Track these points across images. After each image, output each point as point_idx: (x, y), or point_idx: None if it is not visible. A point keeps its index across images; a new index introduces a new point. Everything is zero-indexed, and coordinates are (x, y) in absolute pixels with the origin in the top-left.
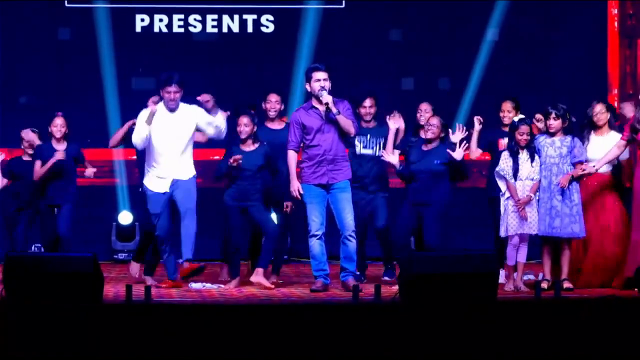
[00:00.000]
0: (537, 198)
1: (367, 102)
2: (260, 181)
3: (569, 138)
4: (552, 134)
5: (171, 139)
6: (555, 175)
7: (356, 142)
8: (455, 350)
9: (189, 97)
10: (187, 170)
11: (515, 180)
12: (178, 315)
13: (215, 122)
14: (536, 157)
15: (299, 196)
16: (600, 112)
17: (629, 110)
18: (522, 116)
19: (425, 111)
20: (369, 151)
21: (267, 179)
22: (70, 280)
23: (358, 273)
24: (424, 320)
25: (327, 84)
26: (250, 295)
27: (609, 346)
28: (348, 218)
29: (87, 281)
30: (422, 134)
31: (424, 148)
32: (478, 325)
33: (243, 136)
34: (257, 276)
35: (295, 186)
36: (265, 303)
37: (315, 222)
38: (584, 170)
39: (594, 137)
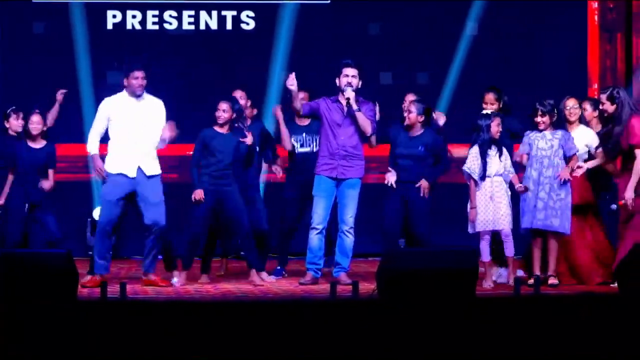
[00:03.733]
0: (509, 193)
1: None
2: (235, 168)
3: (559, 132)
4: (541, 130)
5: (136, 125)
6: (546, 168)
7: (293, 142)
8: (433, 347)
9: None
10: (154, 165)
11: (484, 178)
12: (153, 312)
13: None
14: (504, 151)
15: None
16: (573, 107)
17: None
18: (487, 111)
19: (410, 112)
20: (306, 149)
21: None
22: (44, 277)
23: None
24: (401, 317)
25: (355, 81)
26: (226, 291)
27: (589, 343)
28: (349, 214)
29: (61, 278)
30: (409, 131)
31: (410, 134)
32: (456, 322)
33: (220, 121)
34: (253, 277)
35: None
36: (240, 300)
37: (318, 214)
38: (579, 167)
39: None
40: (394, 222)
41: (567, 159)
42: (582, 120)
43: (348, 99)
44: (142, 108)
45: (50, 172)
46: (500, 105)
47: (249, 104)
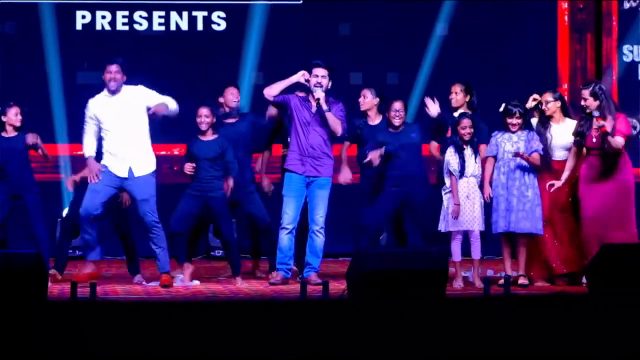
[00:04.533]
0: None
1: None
2: (220, 171)
3: (525, 132)
4: (513, 132)
5: (118, 122)
6: (512, 171)
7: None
8: (403, 347)
9: None
10: (145, 163)
11: (462, 177)
12: (123, 312)
13: (166, 101)
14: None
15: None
16: (546, 101)
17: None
18: (463, 110)
19: (365, 97)
20: None
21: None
22: (14, 277)
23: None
24: (371, 317)
25: (325, 81)
26: (197, 291)
27: (558, 343)
28: (319, 214)
29: (31, 278)
30: (369, 121)
31: (392, 130)
32: (426, 322)
33: (203, 127)
34: (238, 284)
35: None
36: (210, 300)
37: (288, 215)
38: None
39: (554, 127)
40: (380, 220)
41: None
42: (565, 112)
43: (318, 99)
44: (120, 104)
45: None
46: (467, 99)
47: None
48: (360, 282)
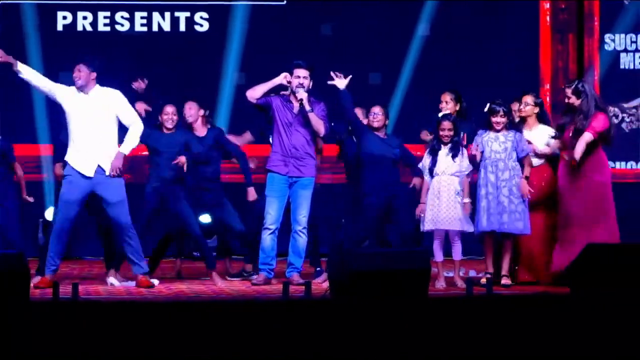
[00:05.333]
0: (461, 194)
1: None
2: (179, 168)
3: (512, 133)
4: (497, 130)
5: (85, 120)
6: (501, 171)
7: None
8: (386, 347)
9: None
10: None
11: (432, 176)
12: (106, 312)
13: (131, 120)
14: (465, 152)
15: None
16: (526, 102)
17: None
18: (446, 112)
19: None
20: None
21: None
22: None
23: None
24: (354, 317)
25: (307, 82)
26: (179, 292)
27: (541, 343)
28: (302, 214)
29: (14, 279)
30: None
31: (379, 134)
32: (409, 323)
33: (169, 125)
34: (214, 278)
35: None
36: (193, 300)
37: (271, 215)
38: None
39: (525, 133)
40: (363, 231)
41: (520, 160)
42: (541, 118)
43: (301, 100)
44: (89, 102)
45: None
46: (457, 108)
47: (201, 112)
48: (343, 282)
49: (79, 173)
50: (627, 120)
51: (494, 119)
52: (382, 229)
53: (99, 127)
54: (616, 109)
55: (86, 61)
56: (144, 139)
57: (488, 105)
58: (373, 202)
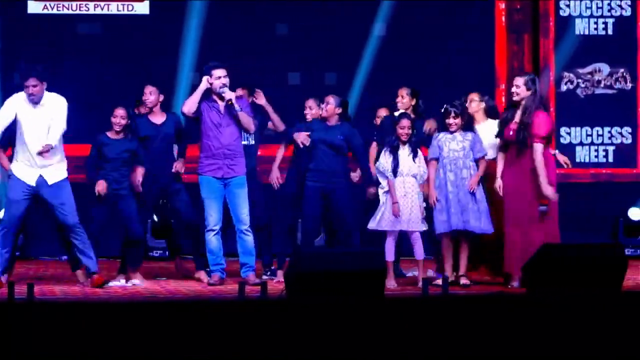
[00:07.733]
0: (422, 194)
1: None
2: (128, 171)
3: (470, 134)
4: (453, 132)
5: (35, 132)
6: (460, 169)
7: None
8: (341, 347)
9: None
10: (56, 170)
11: (396, 176)
12: (62, 313)
13: (56, 129)
14: (419, 152)
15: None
16: (472, 99)
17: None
18: (402, 110)
19: (310, 108)
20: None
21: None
22: None
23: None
24: (310, 317)
25: (227, 80)
26: (135, 292)
27: (497, 343)
28: (243, 213)
29: None
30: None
31: (328, 123)
32: (364, 323)
33: (117, 128)
34: (134, 279)
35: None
36: (148, 300)
37: (213, 217)
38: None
39: (476, 128)
40: (315, 222)
41: (477, 160)
42: (489, 113)
43: (230, 100)
44: (40, 114)
45: None
46: (413, 103)
47: (161, 98)
48: (298, 281)
49: (21, 180)
50: (582, 86)
51: (447, 121)
52: (330, 224)
53: (44, 137)
54: (571, 75)
55: (37, 75)
56: (96, 143)
57: (445, 106)
58: (309, 199)
